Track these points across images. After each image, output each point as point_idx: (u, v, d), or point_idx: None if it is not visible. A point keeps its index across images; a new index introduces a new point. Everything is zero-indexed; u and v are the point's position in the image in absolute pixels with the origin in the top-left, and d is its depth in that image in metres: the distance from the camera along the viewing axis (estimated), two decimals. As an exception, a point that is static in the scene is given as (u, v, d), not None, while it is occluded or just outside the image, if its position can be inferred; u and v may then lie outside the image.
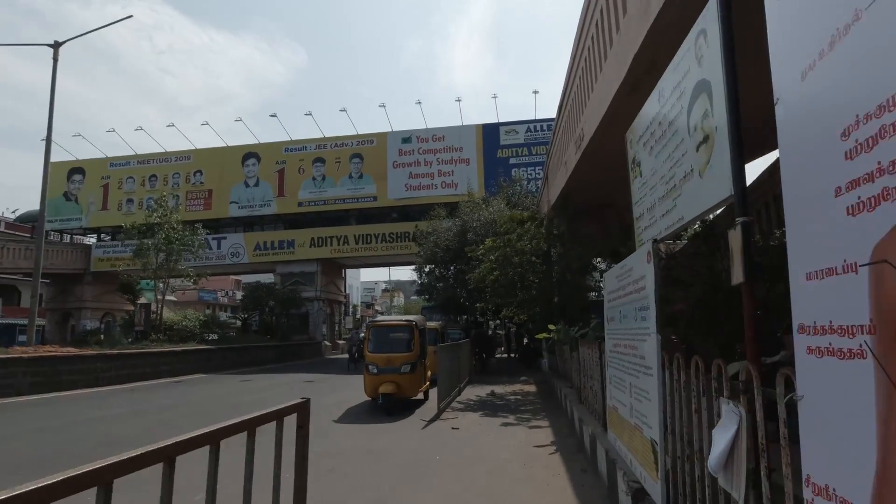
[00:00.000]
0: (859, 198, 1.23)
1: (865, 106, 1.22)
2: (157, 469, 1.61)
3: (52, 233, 34.39)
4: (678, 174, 2.84)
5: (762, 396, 1.88)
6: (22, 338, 22.71)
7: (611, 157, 8.16)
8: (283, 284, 30.52)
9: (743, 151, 2.16)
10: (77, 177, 34.37)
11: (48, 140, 14.78)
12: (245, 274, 47.20)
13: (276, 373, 19.36)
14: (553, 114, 15.87)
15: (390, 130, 32.09)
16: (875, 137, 1.18)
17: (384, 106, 33.71)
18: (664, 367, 2.95)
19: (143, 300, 24.20)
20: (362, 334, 19.90)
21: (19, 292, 34.05)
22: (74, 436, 7.70)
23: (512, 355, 26.30)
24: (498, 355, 26.20)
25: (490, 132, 31.04)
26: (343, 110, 48.66)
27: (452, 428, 8.00)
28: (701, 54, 2.51)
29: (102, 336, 25.75)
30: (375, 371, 9.63)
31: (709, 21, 2.49)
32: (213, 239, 31.15)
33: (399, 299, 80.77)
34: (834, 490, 1.32)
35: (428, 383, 10.96)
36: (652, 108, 3.35)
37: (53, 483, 1.05)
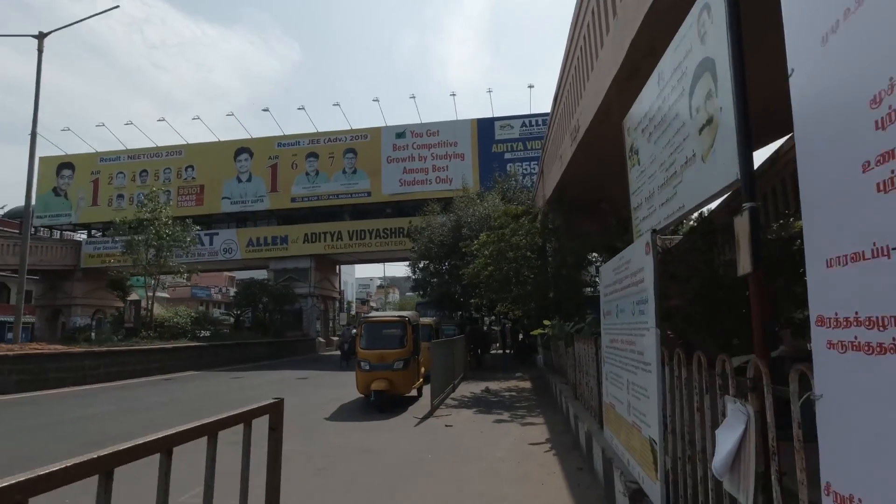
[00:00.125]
0: (893, 172, 1.09)
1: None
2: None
3: (42, 229, 33.94)
4: (679, 160, 2.69)
5: (772, 395, 1.75)
6: (10, 335, 22.38)
7: (607, 149, 8.02)
8: (276, 280, 30.27)
9: (751, 132, 2.01)
10: (66, 172, 33.89)
11: (33, 134, 14.47)
12: (238, 270, 46.90)
13: (270, 370, 19.17)
14: (548, 108, 15.72)
15: (384, 125, 31.82)
16: (913, 102, 1.04)
17: (378, 100, 33.37)
18: (664, 363, 2.82)
19: (133, 297, 23.89)
20: (354, 330, 19.76)
21: (8, 289, 33.62)
22: (57, 435, 7.50)
23: (507, 351, 26.23)
24: (493, 351, 26.12)
25: (485, 127, 30.83)
26: (336, 104, 48.36)
27: (446, 425, 7.87)
28: (704, 31, 2.36)
29: (94, 333, 25.51)
30: (368, 368, 9.48)
31: (713, -5, 2.34)
32: (205, 235, 30.86)
33: (394, 295, 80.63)
34: (860, 501, 1.19)
35: (421, 380, 10.83)
36: (651, 92, 3.21)
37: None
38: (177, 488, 3.34)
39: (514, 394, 11.50)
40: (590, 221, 13.78)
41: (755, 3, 2.52)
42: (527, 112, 31.10)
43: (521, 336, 22.48)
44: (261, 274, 33.88)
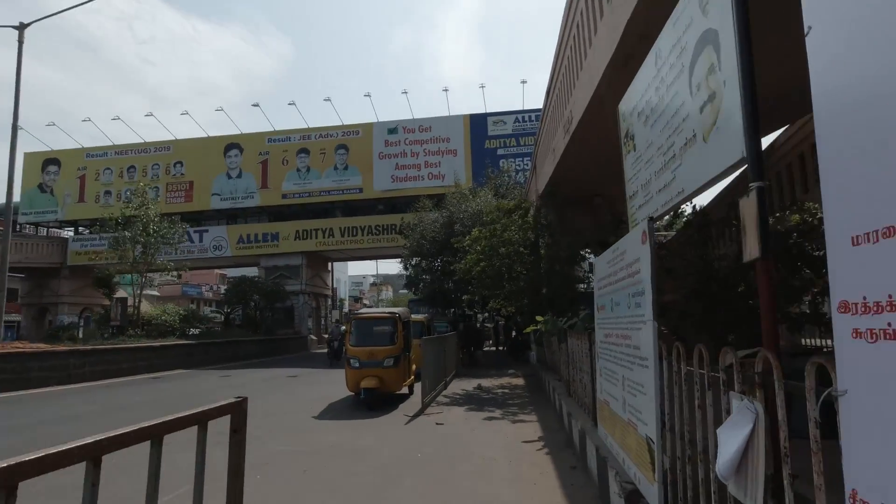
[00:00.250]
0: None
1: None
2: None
3: (27, 226, 33.37)
4: (678, 142, 2.54)
5: (781, 391, 1.59)
6: (-6, 334, 21.92)
7: (600, 140, 7.88)
8: (267, 278, 29.95)
9: (757, 106, 1.86)
10: (52, 168, 33.31)
11: (14, 127, 14.11)
12: (228, 267, 46.50)
13: (260, 367, 18.92)
14: (541, 105, 15.57)
15: (376, 121, 31.55)
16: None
17: (369, 95, 33.04)
18: (662, 357, 2.66)
19: (120, 294, 23.50)
20: (343, 327, 19.53)
21: (-7, 287, 33.00)
22: (30, 437, 7.26)
23: (500, 348, 26.12)
24: (486, 348, 26.00)
25: (478, 123, 30.66)
26: (327, 100, 47.71)
27: (437, 423, 7.71)
28: (706, 1, 2.20)
29: (81, 331, 25.08)
30: (357, 365, 9.30)
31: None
32: (195, 232, 30.48)
33: (387, 293, 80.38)
34: (895, 512, 1.03)
35: (413, 377, 10.66)
36: (648, 72, 3.05)
37: None
38: (171, 486, 3.17)
39: (506, 391, 11.36)
40: (583, 217, 13.68)
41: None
42: (520, 108, 30.99)
43: (513, 333, 22.38)
44: (252, 271, 33.53)
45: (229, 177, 31.71)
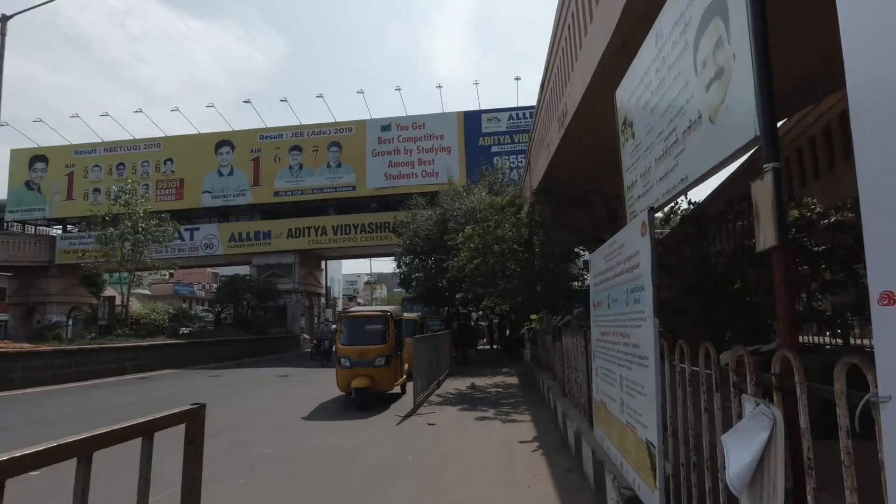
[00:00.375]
0: None
1: None
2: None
3: (14, 224, 32.83)
4: (681, 126, 2.37)
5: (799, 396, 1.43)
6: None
7: (595, 134, 7.72)
8: (259, 276, 29.64)
9: (771, 79, 1.68)
10: (39, 165, 32.77)
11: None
12: (220, 266, 46.07)
13: (251, 367, 18.68)
14: (535, 102, 15.40)
15: (369, 118, 31.29)
16: None
17: (362, 92, 32.71)
18: (663, 356, 2.50)
19: (108, 293, 23.11)
20: (334, 326, 19.27)
21: (-21, 287, 32.49)
22: (3, 442, 7.01)
23: (494, 346, 25.99)
24: (480, 346, 25.86)
25: (471, 120, 30.47)
26: (319, 96, 47.12)
27: (429, 424, 7.54)
28: (714, -32, 2.03)
29: (70, 331, 24.66)
30: (348, 364, 9.10)
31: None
32: (186, 230, 30.09)
33: (381, 291, 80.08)
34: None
35: (405, 376, 10.47)
36: (648, 54, 2.88)
37: None
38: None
39: (500, 390, 11.21)
40: (578, 213, 13.54)
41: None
42: (514, 105, 30.82)
43: (508, 331, 22.24)
44: (244, 270, 33.20)
45: (220, 174, 31.33)
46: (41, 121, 36.04)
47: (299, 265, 30.55)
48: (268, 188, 30.86)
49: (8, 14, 14.01)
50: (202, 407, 1.59)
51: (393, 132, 30.81)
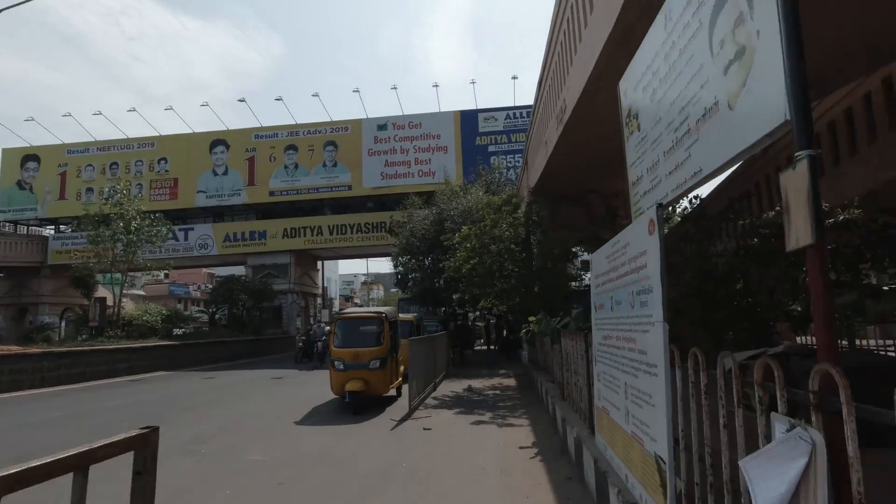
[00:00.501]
0: None
1: None
2: None
3: (6, 224, 32.46)
4: (694, 114, 2.19)
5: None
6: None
7: (595, 130, 7.55)
8: (254, 277, 29.37)
9: (803, 54, 1.49)
10: (31, 164, 32.39)
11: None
12: (215, 266, 45.81)
13: (245, 369, 18.44)
14: (532, 101, 15.24)
15: (365, 117, 31.05)
16: None
17: (358, 91, 32.46)
18: (674, 364, 2.31)
19: (100, 294, 22.81)
20: (327, 328, 18.97)
21: (-30, 288, 32.08)
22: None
23: (491, 347, 25.80)
24: (477, 347, 25.68)
25: (468, 119, 30.28)
26: (315, 95, 46.83)
27: (424, 429, 7.34)
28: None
29: (63, 332, 24.34)
30: (342, 367, 8.89)
31: None
32: (180, 230, 29.80)
33: (378, 292, 79.80)
34: None
35: (400, 379, 10.27)
36: (655, 39, 2.69)
37: None
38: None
39: (497, 392, 11.02)
40: (576, 212, 13.36)
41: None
42: (511, 105, 30.66)
43: (505, 332, 22.06)
44: (239, 270, 32.92)
45: (215, 174, 31.04)
46: (33, 119, 35.63)
47: (295, 265, 30.30)
48: (263, 188, 30.60)
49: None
50: (154, 431, 1.39)
51: (389, 131, 30.60)
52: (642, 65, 2.90)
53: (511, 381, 12.82)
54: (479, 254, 12.55)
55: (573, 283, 14.12)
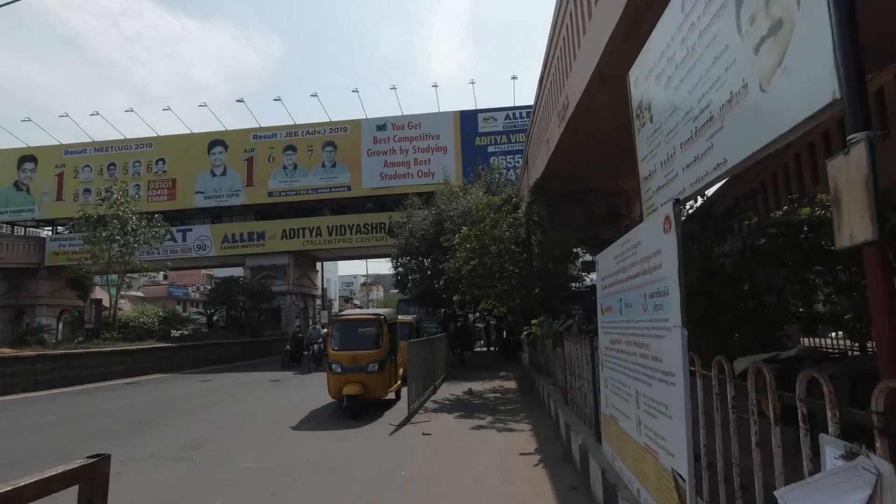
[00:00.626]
0: None
1: None
2: None
3: (3, 225, 32.25)
4: (717, 100, 2.00)
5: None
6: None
7: (599, 126, 7.36)
8: (253, 278, 29.17)
9: (856, 21, 1.31)
10: (28, 165, 32.18)
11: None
12: (213, 267, 45.58)
13: (243, 371, 18.24)
14: (532, 102, 15.06)
15: (364, 118, 30.87)
16: None
17: (357, 91, 32.29)
18: (695, 372, 2.12)
19: (96, 295, 22.60)
20: (324, 330, 18.68)
21: (-34, 289, 31.86)
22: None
23: (491, 348, 25.60)
24: (477, 349, 25.47)
25: (468, 119, 30.11)
26: (314, 95, 46.33)
27: (423, 434, 7.15)
28: None
29: (60, 334, 24.13)
30: (340, 370, 8.70)
31: None
32: (178, 231, 29.60)
33: (378, 293, 79.52)
34: None
35: (399, 382, 10.08)
36: (671, 22, 2.51)
37: None
38: None
39: (498, 395, 10.83)
40: (576, 213, 13.18)
41: None
42: (511, 105, 30.49)
43: (505, 333, 21.86)
44: (237, 271, 32.71)
45: (213, 174, 30.83)
46: (30, 120, 35.44)
47: (294, 266, 30.09)
48: (261, 188, 30.40)
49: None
50: (103, 460, 1.19)
51: (388, 132, 30.42)
52: (655, 51, 2.72)
53: (512, 384, 12.63)
54: (479, 254, 12.37)
55: (573, 285, 13.94)
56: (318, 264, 35.68)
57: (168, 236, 24.51)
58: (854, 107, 1.30)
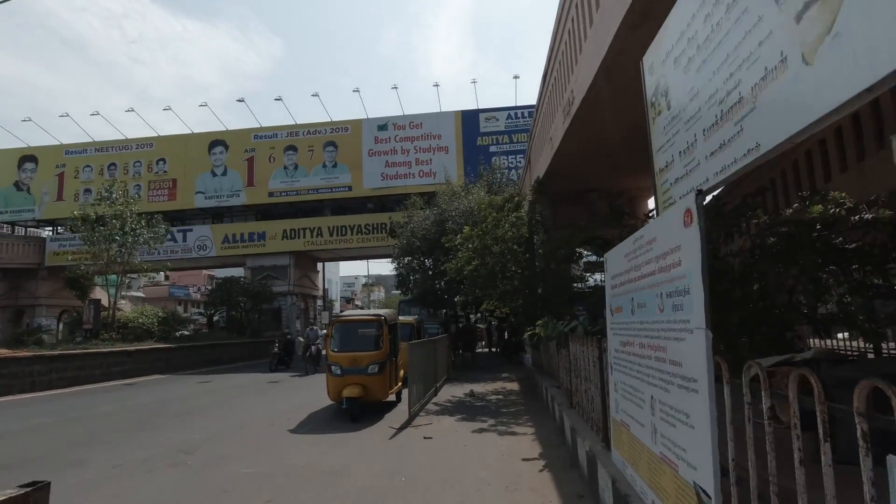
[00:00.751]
0: None
1: None
2: None
3: (3, 225, 32.16)
4: (748, 79, 1.83)
5: None
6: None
7: (605, 121, 7.18)
8: (253, 278, 29.02)
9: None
10: (29, 165, 32.09)
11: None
12: (213, 268, 45.48)
13: (243, 372, 18.09)
14: (534, 101, 14.88)
15: (366, 118, 30.73)
16: None
17: (358, 91, 32.17)
18: (722, 378, 1.94)
19: (95, 295, 22.44)
20: (321, 331, 18.43)
21: (-34, 289, 31.76)
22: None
23: (493, 349, 25.42)
24: (478, 350, 25.29)
25: (469, 119, 29.95)
26: (315, 95, 46.34)
27: (424, 437, 6.98)
28: None
29: (60, 334, 23.97)
30: (339, 372, 8.53)
31: None
32: (179, 231, 29.48)
33: (379, 294, 79.37)
34: None
35: (400, 384, 9.91)
36: (691, 1, 2.33)
37: None
38: None
39: (500, 397, 10.64)
40: (577, 212, 12.98)
41: None
42: (512, 105, 30.31)
43: (507, 334, 21.68)
44: (238, 272, 32.56)
45: (214, 174, 30.71)
46: (30, 120, 35.35)
47: (294, 267, 29.93)
48: (262, 189, 30.27)
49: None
50: (41, 489, 1.01)
51: (390, 132, 30.26)
52: (674, 32, 2.54)
53: (514, 386, 12.44)
54: (481, 255, 12.19)
55: (575, 285, 13.74)
56: (319, 265, 35.54)
57: (168, 236, 24.39)
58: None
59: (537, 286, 12.60)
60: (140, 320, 19.60)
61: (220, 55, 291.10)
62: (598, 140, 8.05)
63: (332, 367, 8.62)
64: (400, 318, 11.99)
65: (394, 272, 24.03)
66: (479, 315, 26.27)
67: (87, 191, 31.28)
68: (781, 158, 7.56)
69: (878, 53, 1.25)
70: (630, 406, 3.29)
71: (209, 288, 40.14)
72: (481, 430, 7.35)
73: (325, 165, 30.20)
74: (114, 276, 19.63)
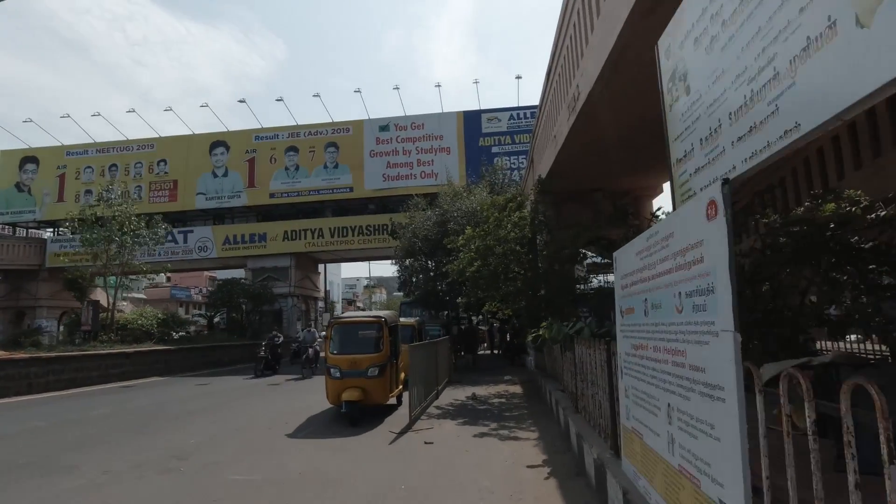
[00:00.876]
0: None
1: None
2: None
3: (4, 226, 32.10)
4: (785, 52, 1.64)
5: None
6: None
7: (611, 117, 6.99)
8: (254, 280, 28.87)
9: None
10: (30, 166, 32.03)
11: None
12: (214, 269, 45.33)
13: (242, 374, 17.89)
14: (537, 102, 14.72)
15: (367, 118, 30.59)
16: None
17: (359, 91, 32.01)
18: (753, 387, 1.75)
19: (94, 297, 22.29)
20: (319, 333, 18.19)
21: (-33, 291, 31.70)
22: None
23: (495, 351, 25.21)
24: (480, 352, 25.08)
25: (471, 120, 29.79)
26: (316, 95, 46.05)
27: (425, 442, 6.78)
28: None
29: (60, 335, 23.83)
30: (338, 375, 8.34)
31: None
32: (179, 232, 29.37)
33: (381, 295, 79.21)
34: None
35: (401, 387, 9.71)
36: (715, -27, 2.15)
37: None
38: None
39: (503, 400, 10.43)
40: (580, 213, 12.80)
41: None
42: (515, 105, 30.14)
43: (509, 336, 21.47)
44: (239, 273, 32.43)
45: (215, 175, 30.60)
46: (31, 121, 35.30)
47: (295, 268, 29.77)
48: (263, 190, 30.14)
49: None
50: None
51: (391, 132, 30.12)
52: (695, 10, 2.35)
53: (517, 388, 12.23)
54: (484, 256, 12.00)
55: (579, 287, 13.54)
56: (321, 266, 35.39)
57: (169, 237, 24.27)
58: None
59: (540, 287, 12.41)
60: (139, 322, 19.45)
61: (223, 57, 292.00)
62: (603, 137, 7.86)
63: (332, 370, 8.43)
64: (401, 319, 11.80)
65: (396, 274, 23.86)
66: (480, 317, 26.07)
67: (88, 192, 31.20)
68: (792, 156, 7.36)
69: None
70: (643, 413, 3.09)
71: (210, 290, 40.07)
72: (483, 435, 7.15)
73: (326, 166, 30.07)
74: (113, 278, 19.49)
